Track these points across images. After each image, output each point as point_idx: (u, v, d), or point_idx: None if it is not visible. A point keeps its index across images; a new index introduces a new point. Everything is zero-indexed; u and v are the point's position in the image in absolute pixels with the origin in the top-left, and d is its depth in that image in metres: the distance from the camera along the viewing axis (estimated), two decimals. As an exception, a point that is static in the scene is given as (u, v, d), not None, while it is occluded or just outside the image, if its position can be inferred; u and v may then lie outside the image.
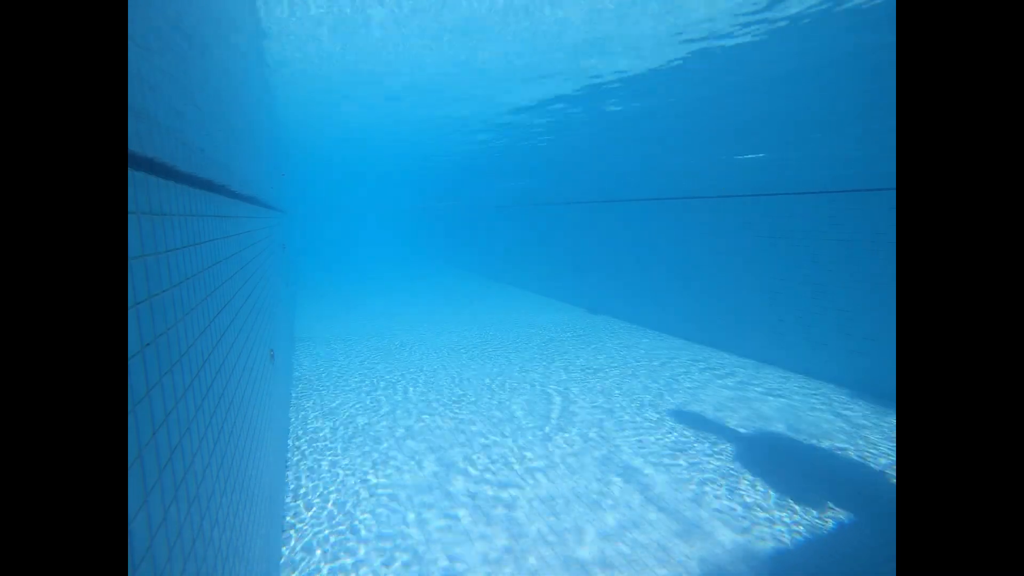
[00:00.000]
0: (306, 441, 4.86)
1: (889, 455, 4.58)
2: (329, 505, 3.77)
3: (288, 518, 3.60)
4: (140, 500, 0.88)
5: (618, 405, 5.79)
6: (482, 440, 4.88)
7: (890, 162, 5.81)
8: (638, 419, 5.39)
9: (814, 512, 3.71)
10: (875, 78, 5.32)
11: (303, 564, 3.15)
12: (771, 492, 3.97)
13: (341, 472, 4.27)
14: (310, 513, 3.67)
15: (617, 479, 4.16)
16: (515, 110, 7.85)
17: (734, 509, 3.75)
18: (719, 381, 6.65)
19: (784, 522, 3.59)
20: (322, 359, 7.66)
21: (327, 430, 5.12)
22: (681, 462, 4.46)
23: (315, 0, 4.53)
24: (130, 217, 0.94)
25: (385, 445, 4.78)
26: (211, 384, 1.60)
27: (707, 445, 4.77)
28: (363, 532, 3.46)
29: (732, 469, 4.34)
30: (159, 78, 1.22)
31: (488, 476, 4.21)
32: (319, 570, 3.10)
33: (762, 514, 3.69)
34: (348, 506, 3.76)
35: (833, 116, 6.20)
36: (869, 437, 4.93)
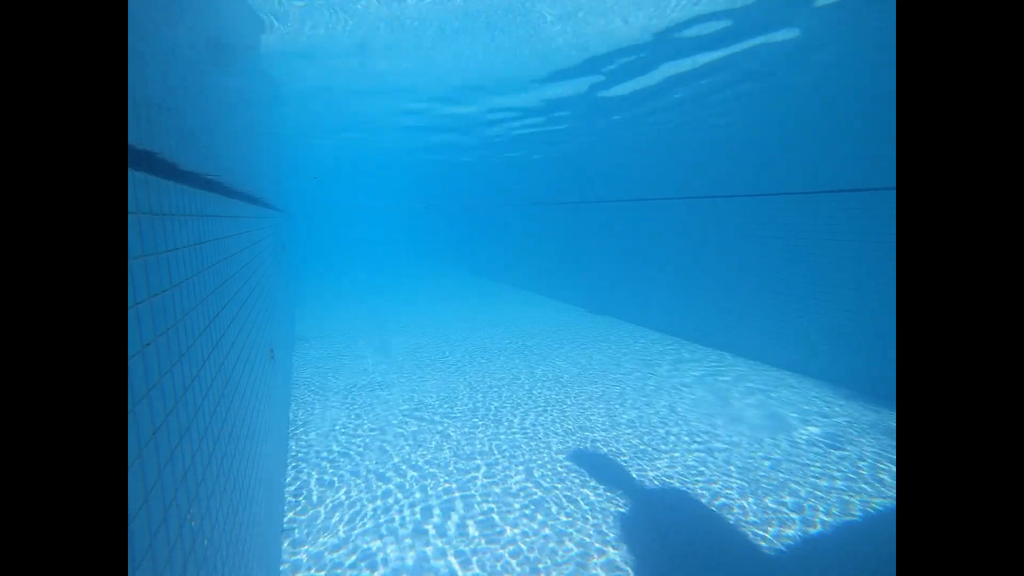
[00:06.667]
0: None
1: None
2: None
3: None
4: (140, 500, 0.89)
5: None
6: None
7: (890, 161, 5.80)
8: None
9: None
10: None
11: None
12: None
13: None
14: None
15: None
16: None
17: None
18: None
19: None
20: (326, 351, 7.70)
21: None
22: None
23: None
24: (130, 217, 0.94)
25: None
26: (211, 384, 1.60)
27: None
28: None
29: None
30: (163, 80, 1.23)
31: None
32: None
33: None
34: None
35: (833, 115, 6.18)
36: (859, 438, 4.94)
